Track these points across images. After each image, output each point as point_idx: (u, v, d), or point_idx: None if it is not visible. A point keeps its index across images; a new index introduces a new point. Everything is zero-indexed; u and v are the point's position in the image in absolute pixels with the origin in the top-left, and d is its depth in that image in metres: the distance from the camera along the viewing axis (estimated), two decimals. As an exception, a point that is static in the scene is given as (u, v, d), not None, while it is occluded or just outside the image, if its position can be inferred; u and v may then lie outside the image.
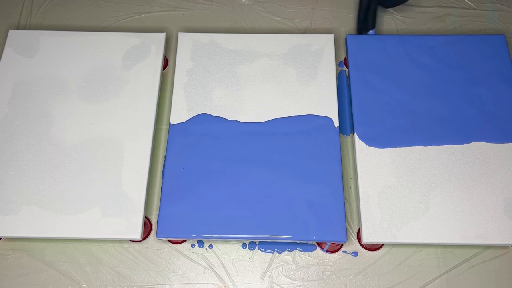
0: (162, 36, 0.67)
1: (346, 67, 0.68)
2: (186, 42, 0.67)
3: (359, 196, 0.57)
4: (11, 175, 0.58)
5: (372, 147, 0.59)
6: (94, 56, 0.66)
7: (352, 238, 0.58)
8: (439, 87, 0.63)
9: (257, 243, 0.58)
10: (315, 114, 0.61)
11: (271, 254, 0.58)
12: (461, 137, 0.60)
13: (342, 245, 0.58)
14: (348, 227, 0.59)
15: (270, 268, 0.57)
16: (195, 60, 0.65)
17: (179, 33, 0.67)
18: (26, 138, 0.60)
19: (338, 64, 0.69)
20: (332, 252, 0.57)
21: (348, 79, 0.67)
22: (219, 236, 0.55)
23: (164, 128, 0.65)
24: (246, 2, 0.75)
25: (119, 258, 0.58)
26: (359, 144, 0.60)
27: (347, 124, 0.65)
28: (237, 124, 0.61)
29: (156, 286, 0.56)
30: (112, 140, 0.60)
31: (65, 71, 0.65)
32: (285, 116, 0.61)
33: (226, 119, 0.61)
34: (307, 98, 0.62)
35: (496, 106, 0.62)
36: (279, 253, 0.58)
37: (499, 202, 0.56)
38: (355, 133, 0.60)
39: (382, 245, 0.58)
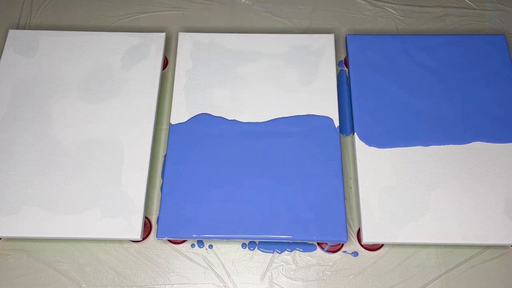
0: (162, 36, 0.67)
1: (346, 67, 0.68)
2: (186, 42, 0.67)
3: (359, 196, 0.57)
4: (11, 175, 0.58)
5: (372, 147, 0.59)
6: (94, 56, 0.66)
7: (352, 238, 0.58)
8: (439, 87, 0.63)
9: (257, 243, 0.58)
10: (315, 114, 0.61)
11: (271, 254, 0.58)
12: (461, 137, 0.60)
13: (342, 245, 0.58)
14: (348, 227, 0.59)
15: (270, 268, 0.57)
16: (195, 60, 0.65)
17: (179, 33, 0.67)
18: (26, 138, 0.60)
19: (338, 64, 0.69)
20: (333, 252, 0.57)
21: (348, 79, 0.67)
22: (219, 236, 0.55)
23: (164, 128, 0.65)
24: (246, 2, 0.75)
25: (119, 258, 0.58)
26: (359, 144, 0.60)
27: (347, 124, 0.65)
28: (237, 124, 0.61)
29: (156, 286, 0.56)
30: (112, 140, 0.60)
31: (65, 71, 0.65)
32: (285, 116, 0.61)
33: (226, 119, 0.61)
34: (307, 98, 0.62)
35: (496, 106, 0.62)
36: (279, 253, 0.58)
37: (499, 202, 0.56)
38: (355, 133, 0.60)
39: (382, 245, 0.58)
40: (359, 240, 0.58)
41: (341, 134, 0.64)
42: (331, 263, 0.57)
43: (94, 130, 0.61)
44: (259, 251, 0.58)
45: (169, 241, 0.58)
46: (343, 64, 0.69)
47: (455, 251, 0.58)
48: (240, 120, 0.61)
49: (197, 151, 0.59)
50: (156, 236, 0.56)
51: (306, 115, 0.61)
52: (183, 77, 0.64)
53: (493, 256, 0.57)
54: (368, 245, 0.58)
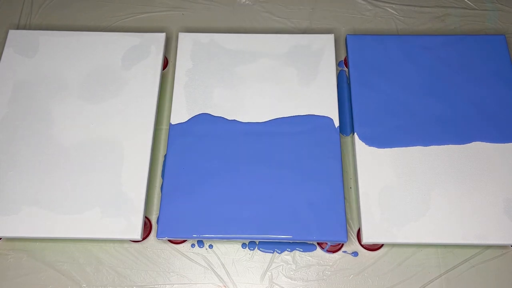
0: (162, 36, 0.67)
1: (346, 67, 0.68)
2: (186, 42, 0.67)
3: (359, 196, 0.57)
4: (11, 175, 0.58)
5: (372, 147, 0.59)
6: (94, 56, 0.66)
7: (352, 238, 0.58)
8: (439, 87, 0.63)
9: (257, 243, 0.58)
10: (315, 114, 0.61)
11: (271, 254, 0.58)
12: (461, 137, 0.60)
13: (342, 245, 0.58)
14: (348, 227, 0.59)
15: (270, 268, 0.57)
16: (195, 60, 0.65)
17: (179, 33, 0.67)
18: (26, 138, 0.60)
19: (338, 64, 0.69)
20: (333, 252, 0.57)
21: (348, 79, 0.67)
22: (219, 236, 0.55)
23: (164, 128, 0.65)
24: (246, 2, 0.75)
25: (119, 258, 0.58)
26: (359, 144, 0.60)
27: (347, 124, 0.65)
28: (237, 124, 0.61)
29: (156, 286, 0.56)
30: (112, 140, 0.60)
31: (65, 71, 0.65)
32: (285, 116, 0.61)
33: (226, 119, 0.61)
34: (307, 98, 0.62)
35: (496, 106, 0.62)
36: (279, 253, 0.58)
37: (499, 202, 0.56)
38: (355, 133, 0.60)
39: (382, 245, 0.58)
40: (359, 240, 0.58)
41: (341, 134, 0.64)
42: (331, 263, 0.57)
43: (94, 130, 0.61)
44: (259, 251, 0.58)
45: (169, 241, 0.58)
46: (343, 64, 0.69)
47: (455, 251, 0.58)
48: (240, 120, 0.61)
49: (197, 151, 0.59)
50: (156, 236, 0.56)
51: (306, 115, 0.61)
52: (183, 77, 0.64)
53: (493, 256, 0.57)
54: (368, 245, 0.58)
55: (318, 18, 0.74)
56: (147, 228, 0.59)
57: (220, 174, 0.58)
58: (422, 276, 0.56)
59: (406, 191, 0.57)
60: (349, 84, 0.66)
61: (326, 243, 0.57)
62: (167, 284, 0.56)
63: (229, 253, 0.58)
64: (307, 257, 0.57)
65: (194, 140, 0.60)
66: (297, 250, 0.58)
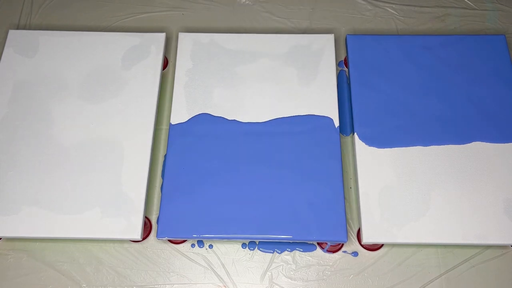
0: (162, 36, 0.67)
1: (346, 67, 0.68)
2: (186, 42, 0.67)
3: (359, 196, 0.57)
4: (11, 175, 0.58)
5: (372, 147, 0.59)
6: (94, 56, 0.66)
7: (352, 238, 0.58)
8: (439, 87, 0.63)
9: (257, 243, 0.58)
10: (315, 114, 0.61)
11: (271, 254, 0.58)
12: (461, 137, 0.60)
13: (342, 245, 0.58)
14: (348, 227, 0.59)
15: (270, 268, 0.57)
16: (195, 60, 0.65)
17: (179, 33, 0.67)
18: (26, 138, 0.60)
19: (338, 64, 0.69)
20: (333, 252, 0.57)
21: (348, 79, 0.67)
22: (219, 236, 0.55)
23: (164, 128, 0.65)
24: (246, 2, 0.75)
25: (119, 258, 0.58)
26: (359, 144, 0.60)
27: (347, 124, 0.65)
28: (237, 124, 0.61)
29: (156, 286, 0.56)
30: (112, 140, 0.60)
31: (65, 71, 0.65)
32: (285, 116, 0.61)
33: (226, 119, 0.61)
34: (307, 98, 0.62)
35: (496, 106, 0.62)
36: (279, 253, 0.58)
37: (499, 202, 0.56)
38: (355, 133, 0.60)
39: (382, 245, 0.58)
40: (359, 240, 0.58)
41: (341, 134, 0.64)
42: (331, 263, 0.57)
43: (94, 130, 0.61)
44: (259, 251, 0.58)
45: (169, 241, 0.58)
46: (343, 64, 0.69)
47: (455, 251, 0.58)
48: (240, 120, 0.61)
49: (197, 151, 0.59)
50: (156, 236, 0.56)
51: (306, 115, 0.61)
52: (183, 77, 0.64)
53: (493, 256, 0.57)
54: (368, 245, 0.58)
55: (318, 18, 0.74)
56: (147, 228, 0.59)
57: (220, 174, 0.58)
58: (422, 276, 0.56)
59: (406, 191, 0.57)
60: (349, 84, 0.66)
61: (326, 243, 0.57)
62: (167, 284, 0.56)
63: (229, 253, 0.58)
64: (307, 257, 0.57)
65: (194, 140, 0.60)
66: (297, 250, 0.58)
